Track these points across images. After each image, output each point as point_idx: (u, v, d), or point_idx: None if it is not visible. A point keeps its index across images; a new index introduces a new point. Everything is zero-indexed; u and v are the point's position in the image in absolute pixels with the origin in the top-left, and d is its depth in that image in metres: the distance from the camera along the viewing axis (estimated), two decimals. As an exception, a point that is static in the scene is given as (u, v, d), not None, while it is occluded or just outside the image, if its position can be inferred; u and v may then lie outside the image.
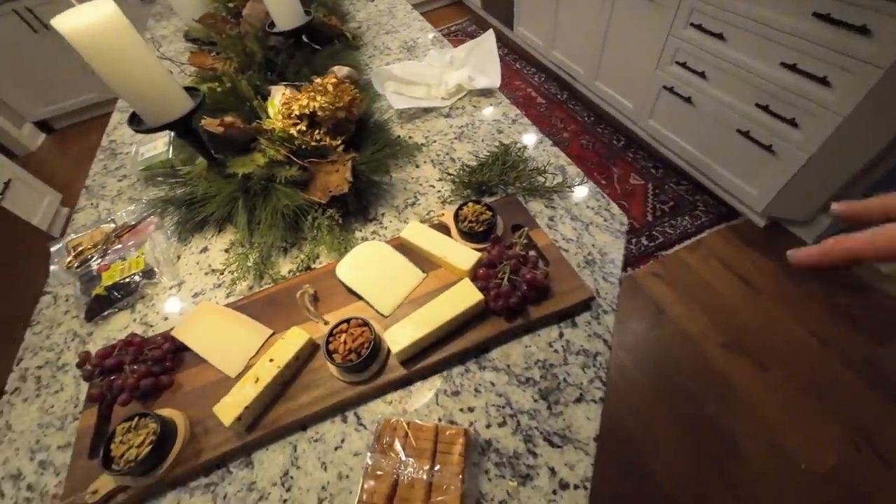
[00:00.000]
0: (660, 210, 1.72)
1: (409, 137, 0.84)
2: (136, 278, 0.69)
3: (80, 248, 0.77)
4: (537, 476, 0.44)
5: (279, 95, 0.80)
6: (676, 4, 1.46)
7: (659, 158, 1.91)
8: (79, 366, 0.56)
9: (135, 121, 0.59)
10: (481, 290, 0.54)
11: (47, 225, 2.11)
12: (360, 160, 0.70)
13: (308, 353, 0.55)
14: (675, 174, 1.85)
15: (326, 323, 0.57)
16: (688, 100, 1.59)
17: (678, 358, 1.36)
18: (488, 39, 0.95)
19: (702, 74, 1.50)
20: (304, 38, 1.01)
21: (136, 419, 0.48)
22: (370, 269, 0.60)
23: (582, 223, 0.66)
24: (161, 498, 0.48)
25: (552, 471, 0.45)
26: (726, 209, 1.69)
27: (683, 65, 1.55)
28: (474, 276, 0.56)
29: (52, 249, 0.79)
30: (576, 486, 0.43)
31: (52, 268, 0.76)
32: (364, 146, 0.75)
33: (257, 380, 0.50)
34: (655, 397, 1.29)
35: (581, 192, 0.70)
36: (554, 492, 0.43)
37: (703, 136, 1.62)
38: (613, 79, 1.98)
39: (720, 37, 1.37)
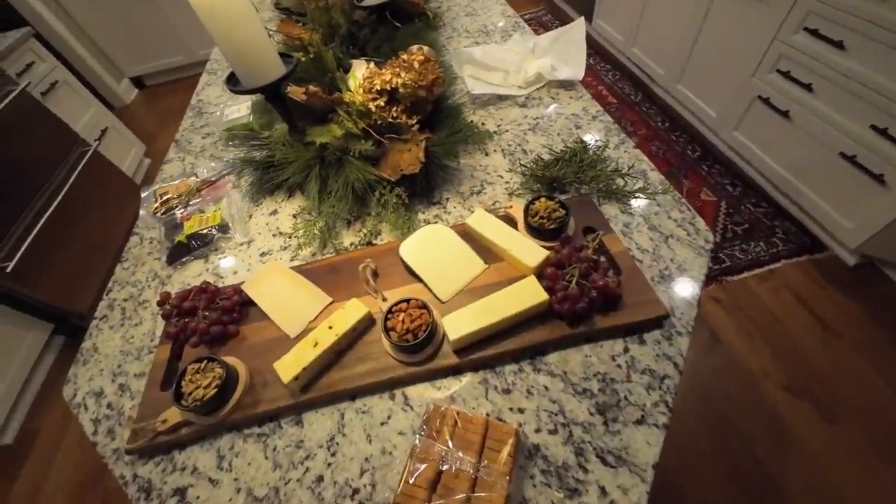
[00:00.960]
0: (731, 231, 1.58)
1: (482, 124, 0.82)
2: (214, 231, 0.73)
3: (167, 197, 0.83)
4: (586, 492, 0.42)
5: (360, 69, 0.81)
6: (790, 4, 1.30)
7: (738, 175, 1.75)
8: (159, 304, 0.61)
9: (232, 81, 0.62)
10: (546, 290, 0.52)
11: (132, 173, 2.33)
12: (433, 141, 0.70)
13: (364, 325, 0.56)
14: (754, 194, 1.68)
15: (385, 299, 0.57)
16: (784, 114, 1.42)
17: (730, 391, 1.26)
18: (578, 29, 0.90)
19: (807, 87, 1.34)
20: (388, 15, 1.01)
21: (206, 362, 0.52)
22: (433, 252, 0.60)
23: (661, 234, 0.61)
24: (218, 438, 0.51)
25: (602, 490, 0.42)
26: (810, 240, 1.52)
27: (786, 74, 1.39)
28: (540, 274, 0.54)
29: (143, 195, 0.86)
30: (627, 511, 0.41)
31: (141, 212, 0.83)
32: (438, 128, 0.74)
33: (316, 344, 0.51)
34: (698, 424, 1.20)
35: (663, 200, 0.65)
36: (603, 512, 0.41)
37: (797, 157, 1.45)
38: (698, 83, 1.82)
39: (839, 45, 1.21)
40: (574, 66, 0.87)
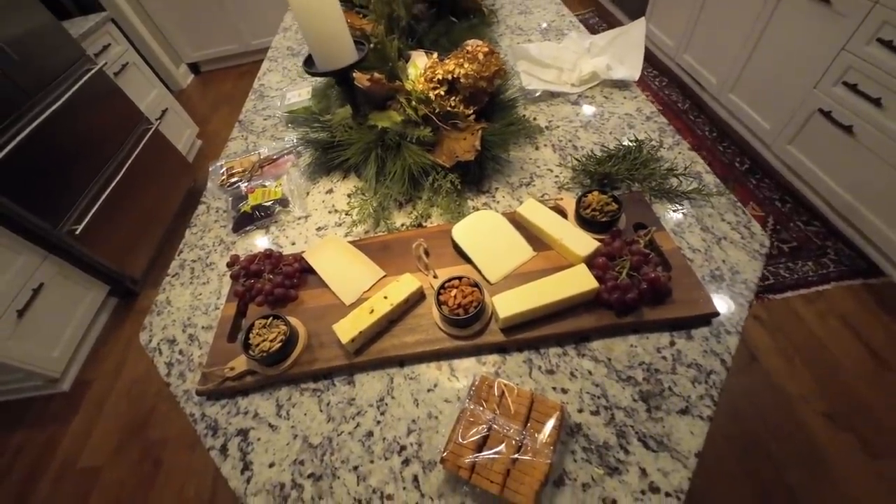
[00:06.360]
0: (777, 249, 1.52)
1: (533, 119, 0.83)
2: (275, 205, 0.78)
3: (232, 171, 0.90)
4: (626, 472, 0.43)
5: (419, 60, 0.85)
6: (864, 14, 1.23)
7: (788, 191, 1.68)
8: (229, 265, 0.66)
9: (308, 63, 0.67)
10: (596, 279, 0.53)
11: (185, 152, 2.48)
12: (488, 132, 0.72)
13: (416, 299, 0.59)
14: (805, 212, 1.61)
15: (436, 276, 0.60)
16: (847, 129, 1.36)
17: (765, 413, 1.21)
18: (637, 29, 0.90)
19: (876, 101, 1.27)
20: (446, 10, 1.04)
21: (271, 319, 0.56)
22: (484, 236, 0.62)
23: (713, 236, 0.61)
24: (277, 389, 0.55)
25: (643, 471, 0.43)
26: (866, 264, 1.44)
27: (853, 87, 1.32)
28: (590, 264, 0.55)
29: (210, 168, 0.93)
30: (667, 494, 0.42)
31: (209, 183, 0.90)
32: (492, 120, 0.76)
33: (372, 311, 0.55)
34: (726, 445, 1.17)
35: (718, 203, 0.65)
36: (643, 492, 0.42)
37: (857, 175, 1.38)
38: (753, 94, 1.76)
39: (915, 58, 1.15)
40: (630, 67, 0.87)
